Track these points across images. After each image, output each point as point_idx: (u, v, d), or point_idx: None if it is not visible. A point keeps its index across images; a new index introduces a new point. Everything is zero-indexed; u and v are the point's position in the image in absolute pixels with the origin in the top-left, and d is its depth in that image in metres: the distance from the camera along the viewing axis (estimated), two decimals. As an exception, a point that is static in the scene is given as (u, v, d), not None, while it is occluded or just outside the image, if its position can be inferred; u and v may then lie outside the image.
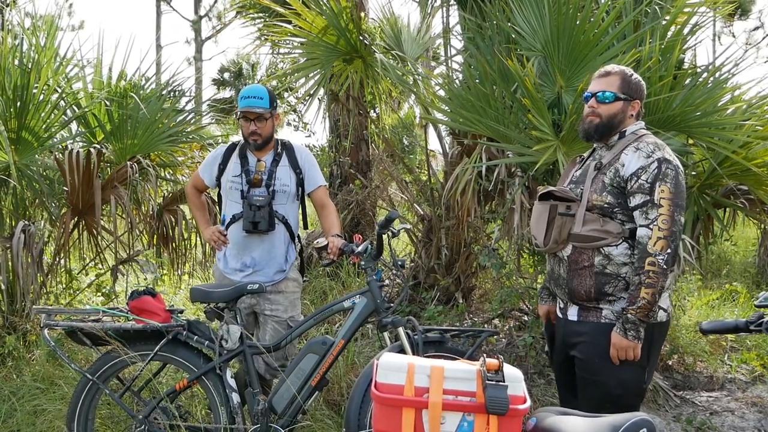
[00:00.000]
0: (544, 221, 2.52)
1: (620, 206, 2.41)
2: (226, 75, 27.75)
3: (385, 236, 3.08)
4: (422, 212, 5.78)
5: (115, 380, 3.22)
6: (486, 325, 4.95)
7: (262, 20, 5.71)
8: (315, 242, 3.19)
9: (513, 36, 4.25)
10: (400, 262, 3.15)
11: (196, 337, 3.08)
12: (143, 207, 4.89)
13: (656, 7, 4.36)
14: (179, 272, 5.35)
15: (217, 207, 3.81)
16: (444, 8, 5.43)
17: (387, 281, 3.08)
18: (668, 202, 2.31)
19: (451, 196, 4.89)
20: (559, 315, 2.63)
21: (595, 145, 2.66)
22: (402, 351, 2.89)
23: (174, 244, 5.12)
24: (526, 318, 4.85)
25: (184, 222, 5.02)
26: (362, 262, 3.05)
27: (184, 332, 3.06)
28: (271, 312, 3.41)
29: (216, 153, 3.58)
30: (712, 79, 3.85)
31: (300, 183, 3.47)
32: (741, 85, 3.98)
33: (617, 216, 2.41)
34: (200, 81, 26.63)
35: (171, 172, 5.33)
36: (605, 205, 2.42)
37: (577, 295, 2.47)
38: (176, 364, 3.16)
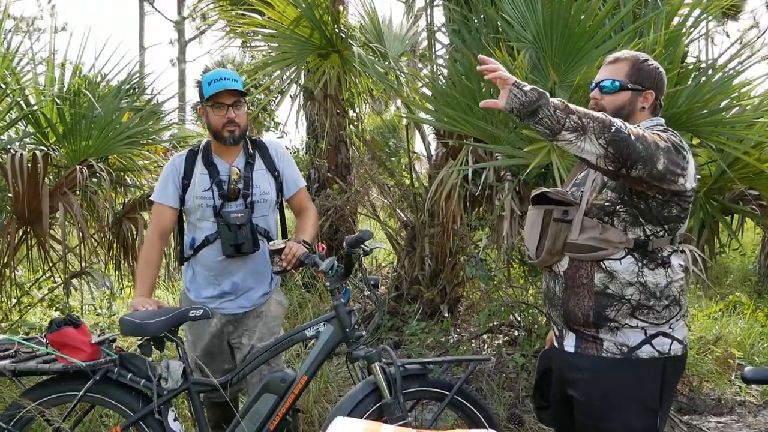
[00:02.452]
0: (537, 228, 2.12)
1: (624, 203, 2.01)
2: (211, 76, 27.31)
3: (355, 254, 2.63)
4: (405, 218, 5.41)
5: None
6: (474, 342, 4.58)
7: (233, 12, 5.31)
8: (270, 243, 2.67)
9: (501, 26, 3.88)
10: (373, 282, 2.64)
11: (130, 375, 2.60)
12: (104, 215, 4.44)
13: (656, -2, 4.03)
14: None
15: (176, 231, 3.12)
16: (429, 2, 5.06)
17: (358, 305, 2.65)
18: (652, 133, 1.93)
19: (436, 201, 4.53)
20: (555, 344, 2.23)
21: None
22: (377, 388, 2.50)
23: (135, 255, 4.71)
24: (516, 333, 4.48)
25: (145, 231, 4.60)
26: (327, 283, 2.57)
27: (116, 369, 2.59)
28: (249, 341, 2.90)
29: (172, 165, 2.89)
30: (719, 75, 3.51)
31: (280, 187, 2.92)
32: (750, 81, 3.62)
33: (621, 217, 2.01)
34: (183, 82, 26.22)
35: (132, 177, 4.90)
36: (606, 204, 2.03)
37: (573, 319, 2.09)
38: (109, 407, 2.71)
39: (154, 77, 21.78)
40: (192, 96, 27.21)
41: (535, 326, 4.29)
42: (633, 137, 1.85)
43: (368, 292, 2.61)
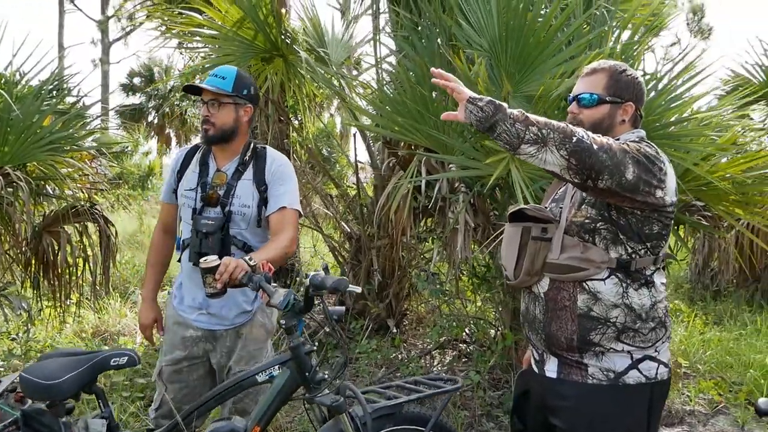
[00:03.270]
0: (514, 247, 2.00)
1: (604, 219, 1.91)
2: (136, 80, 26.41)
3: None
4: (350, 230, 5.24)
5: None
6: (424, 359, 4.44)
7: (170, 10, 5.02)
8: (202, 261, 2.20)
9: (456, 34, 3.77)
10: (336, 316, 2.28)
11: None
12: (20, 228, 4.06)
13: (604, 11, 4.04)
14: (65, 303, 4.55)
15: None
16: (374, 6, 4.93)
17: (314, 346, 2.30)
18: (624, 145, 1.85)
19: (384, 213, 4.38)
20: (534, 368, 2.11)
21: None
22: None
23: (57, 272, 4.33)
24: (469, 349, 4.38)
25: (68, 246, 4.25)
26: (282, 320, 2.18)
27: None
28: (227, 362, 2.64)
29: (175, 158, 2.81)
30: (670, 87, 3.52)
31: (264, 202, 2.63)
32: (699, 96, 3.66)
33: (601, 235, 1.91)
34: (107, 85, 25.25)
35: (54, 186, 4.51)
36: (586, 221, 1.93)
37: (555, 343, 1.97)
38: None
39: (80, 78, 20.69)
40: (118, 100, 26.23)
41: (487, 341, 4.21)
42: (596, 146, 1.77)
43: (329, 328, 2.27)
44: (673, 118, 3.53)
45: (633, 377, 1.91)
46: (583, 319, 1.92)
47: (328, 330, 2.22)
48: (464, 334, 4.44)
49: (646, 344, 1.92)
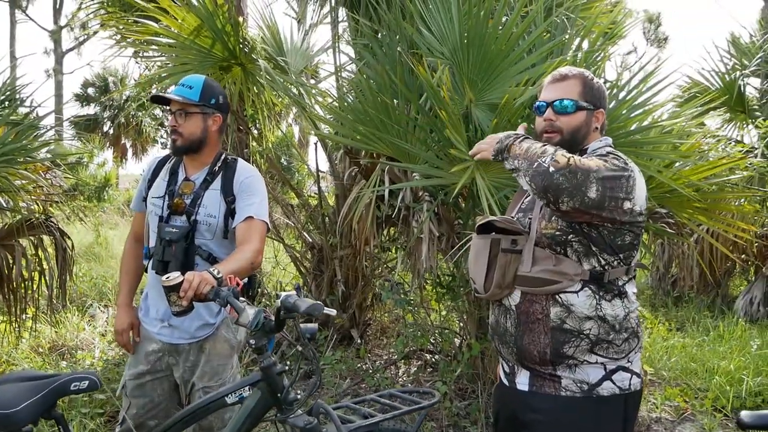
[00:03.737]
0: (484, 260, 1.95)
1: (575, 231, 1.87)
2: (91, 90, 25.85)
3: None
4: (312, 240, 5.15)
5: None
6: (389, 370, 4.37)
7: (125, 20, 4.88)
8: (163, 278, 2.07)
9: (417, 41, 3.73)
10: (309, 334, 2.13)
11: None
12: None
13: (564, 19, 4.06)
14: (21, 318, 4.40)
15: None
16: (333, 13, 4.87)
17: (286, 366, 2.17)
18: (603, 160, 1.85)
19: (347, 223, 4.32)
20: (505, 381, 2.06)
21: None
22: None
23: (11, 286, 4.18)
24: (435, 359, 4.32)
25: (23, 259, 4.11)
26: (251, 340, 2.04)
27: None
28: (190, 377, 2.54)
29: (147, 166, 2.79)
30: (631, 96, 3.54)
31: (231, 214, 2.56)
32: (661, 105, 3.68)
33: (573, 247, 1.88)
34: (60, 95, 24.67)
35: (7, 198, 4.35)
36: (557, 233, 1.89)
37: (528, 357, 1.93)
38: None
39: (33, 88, 20.15)
40: (72, 110, 25.62)
41: (452, 351, 4.16)
42: (552, 169, 1.77)
43: (302, 348, 2.07)
44: (634, 126, 3.55)
45: (607, 389, 1.88)
46: (556, 332, 1.88)
47: (300, 349, 2.07)
48: (429, 344, 4.38)
49: (620, 355, 1.89)
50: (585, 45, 3.87)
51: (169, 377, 2.60)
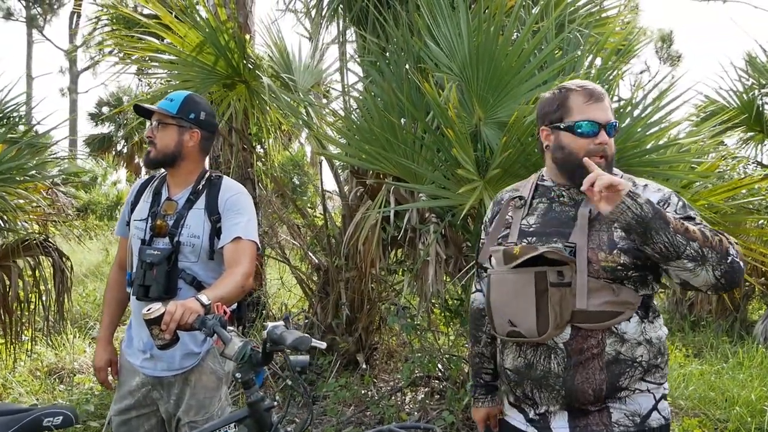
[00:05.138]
0: (530, 297, 1.70)
1: (636, 267, 1.71)
2: (105, 109, 26.03)
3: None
4: (317, 261, 5.03)
5: None
6: (395, 397, 4.21)
7: (129, 37, 4.83)
8: (145, 311, 1.94)
9: (425, 58, 3.63)
10: (299, 366, 1.94)
11: None
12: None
13: (577, 34, 3.94)
14: (18, 341, 4.31)
15: None
16: (339, 29, 4.79)
17: (275, 401, 2.00)
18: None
19: (352, 244, 4.19)
20: (524, 428, 1.82)
21: (540, 183, 1.93)
22: None
23: (8, 309, 4.11)
24: (442, 386, 4.16)
25: (20, 281, 4.02)
26: (237, 374, 1.88)
27: None
28: (175, 411, 2.41)
29: (132, 189, 2.67)
30: (648, 114, 3.41)
31: (217, 233, 2.42)
32: (677, 123, 3.54)
33: (630, 277, 1.72)
34: (75, 115, 24.88)
35: (7, 218, 4.27)
36: (618, 267, 1.70)
37: (581, 398, 1.71)
38: None
39: (47, 105, 20.37)
40: (85, 129, 25.83)
41: (460, 378, 4.01)
42: (741, 262, 1.66)
43: (291, 381, 1.92)
44: (650, 145, 3.41)
45: (655, 419, 1.73)
46: (611, 365, 1.70)
47: (290, 383, 1.92)
48: (437, 370, 4.22)
49: (663, 379, 1.76)
50: (598, 62, 3.76)
51: (155, 412, 2.47)
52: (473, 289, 2.10)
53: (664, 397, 1.76)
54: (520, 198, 1.96)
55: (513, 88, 3.50)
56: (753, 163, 6.07)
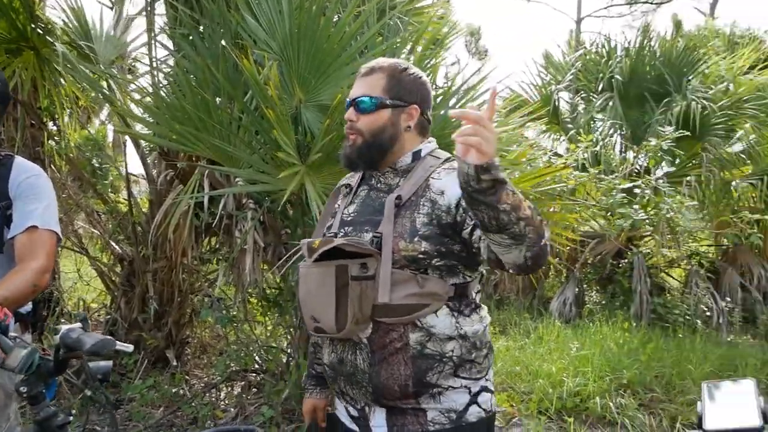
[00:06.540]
0: (330, 291, 1.60)
1: (440, 254, 1.62)
2: None
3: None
4: (121, 251, 4.60)
5: None
6: (210, 394, 3.97)
7: None
8: None
9: (242, 33, 3.42)
10: (101, 374, 1.68)
11: None
12: None
13: (397, 21, 3.95)
14: None
15: None
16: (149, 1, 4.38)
17: (71, 414, 1.72)
18: None
19: (161, 232, 3.87)
20: (353, 427, 1.73)
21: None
22: None
23: None
24: (260, 379, 3.99)
25: None
26: (22, 387, 1.58)
27: None
28: None
29: None
30: (462, 104, 3.50)
31: (7, 222, 2.08)
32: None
33: (434, 266, 1.62)
34: None
35: None
36: (420, 256, 1.60)
37: (387, 394, 1.64)
38: None
39: None
40: None
41: (279, 370, 3.87)
42: (548, 243, 1.49)
43: (91, 392, 1.67)
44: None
45: (474, 414, 1.66)
46: (417, 359, 1.61)
47: (89, 393, 1.64)
48: (254, 362, 4.05)
49: (482, 374, 1.69)
50: (419, 49, 3.78)
51: None
52: None
53: (485, 389, 1.71)
54: (347, 186, 1.86)
55: (335, 71, 3.41)
56: (551, 152, 6.57)
